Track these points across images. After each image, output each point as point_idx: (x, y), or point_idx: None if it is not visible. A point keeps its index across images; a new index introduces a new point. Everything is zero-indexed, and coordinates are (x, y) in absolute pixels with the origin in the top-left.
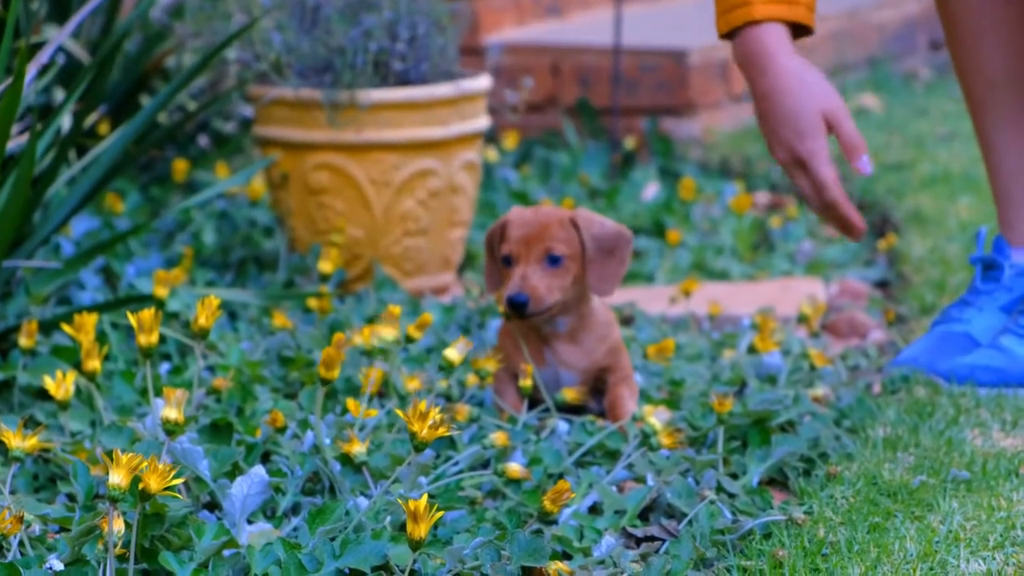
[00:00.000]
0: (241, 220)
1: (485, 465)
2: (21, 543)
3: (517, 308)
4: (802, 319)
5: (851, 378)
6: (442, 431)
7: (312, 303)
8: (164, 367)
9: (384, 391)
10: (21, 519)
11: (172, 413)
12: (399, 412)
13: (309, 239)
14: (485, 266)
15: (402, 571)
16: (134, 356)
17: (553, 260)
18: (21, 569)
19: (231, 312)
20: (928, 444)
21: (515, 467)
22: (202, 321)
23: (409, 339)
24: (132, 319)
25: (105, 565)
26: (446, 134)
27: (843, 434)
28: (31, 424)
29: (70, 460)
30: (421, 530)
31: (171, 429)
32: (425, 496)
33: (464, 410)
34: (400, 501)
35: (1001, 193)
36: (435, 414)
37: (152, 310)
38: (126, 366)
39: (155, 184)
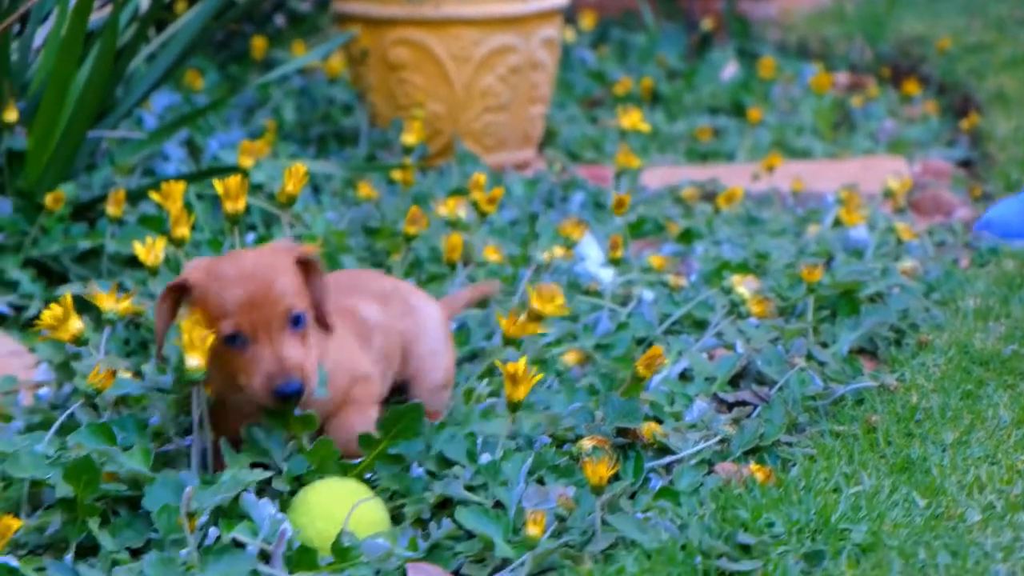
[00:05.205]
0: (320, 97)
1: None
2: (116, 403)
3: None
4: (888, 194)
5: (938, 253)
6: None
7: (396, 175)
8: (249, 237)
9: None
10: (114, 374)
11: None
12: (528, 288)
13: (389, 114)
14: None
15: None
16: (220, 226)
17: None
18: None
19: (315, 185)
20: (1019, 315)
21: None
22: (289, 188)
23: (483, 212)
24: (218, 186)
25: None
26: (525, 10)
27: (932, 306)
28: (120, 290)
29: None
30: (520, 392)
31: None
32: (524, 359)
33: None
34: (499, 364)
35: None
36: (557, 294)
37: (239, 177)
38: (212, 236)
39: (233, 62)
